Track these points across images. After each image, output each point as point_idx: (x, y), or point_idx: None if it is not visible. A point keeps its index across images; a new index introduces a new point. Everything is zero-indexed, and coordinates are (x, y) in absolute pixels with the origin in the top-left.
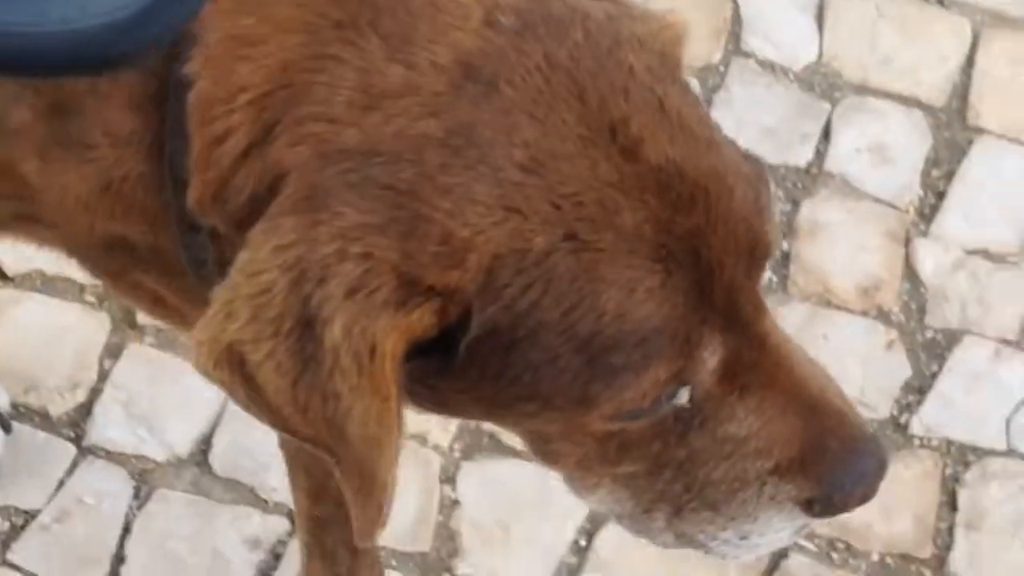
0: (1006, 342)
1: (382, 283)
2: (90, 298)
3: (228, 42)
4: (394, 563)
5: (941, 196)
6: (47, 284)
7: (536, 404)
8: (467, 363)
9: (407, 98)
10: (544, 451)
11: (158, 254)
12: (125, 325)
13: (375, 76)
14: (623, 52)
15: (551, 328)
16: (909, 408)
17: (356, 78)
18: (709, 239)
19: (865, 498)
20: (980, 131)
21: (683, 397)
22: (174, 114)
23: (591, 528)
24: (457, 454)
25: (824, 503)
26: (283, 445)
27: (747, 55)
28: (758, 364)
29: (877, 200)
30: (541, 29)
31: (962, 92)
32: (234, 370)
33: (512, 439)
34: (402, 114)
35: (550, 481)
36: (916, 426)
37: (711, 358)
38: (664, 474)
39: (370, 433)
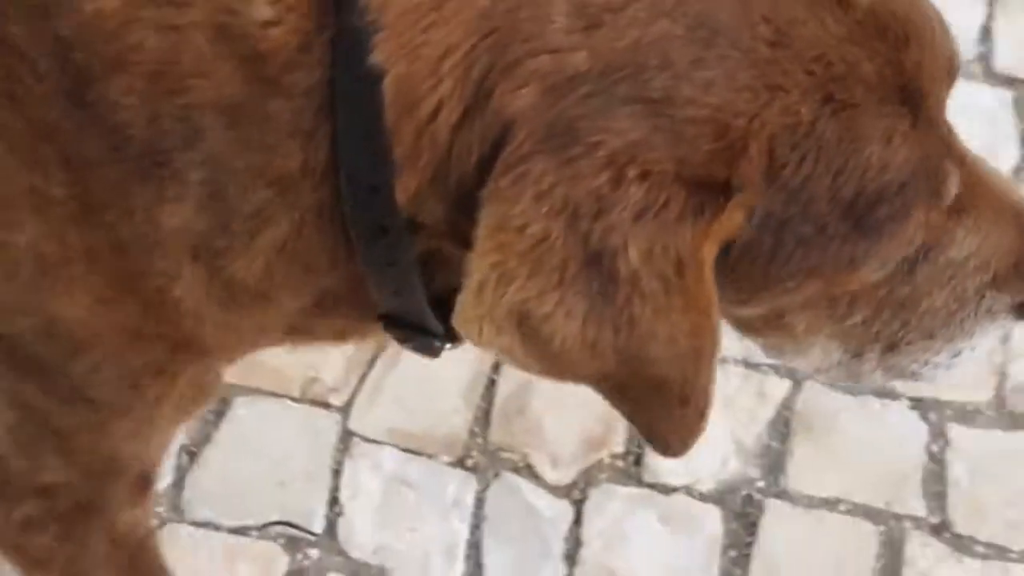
0: None
1: (671, 196)
2: None
3: (410, 15)
4: None
5: None
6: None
7: (798, 278)
8: (740, 254)
9: (632, 6)
10: (769, 327)
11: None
12: None
13: None
14: None
15: (821, 198)
16: None
17: (568, 1)
18: (928, 71)
19: None
20: None
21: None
22: (360, 116)
23: None
24: None
25: None
26: None
27: None
28: (967, 184)
29: None
30: None
31: None
32: (517, 331)
33: None
34: (632, 23)
35: None
36: None
37: (954, 190)
38: (883, 315)
39: (684, 348)
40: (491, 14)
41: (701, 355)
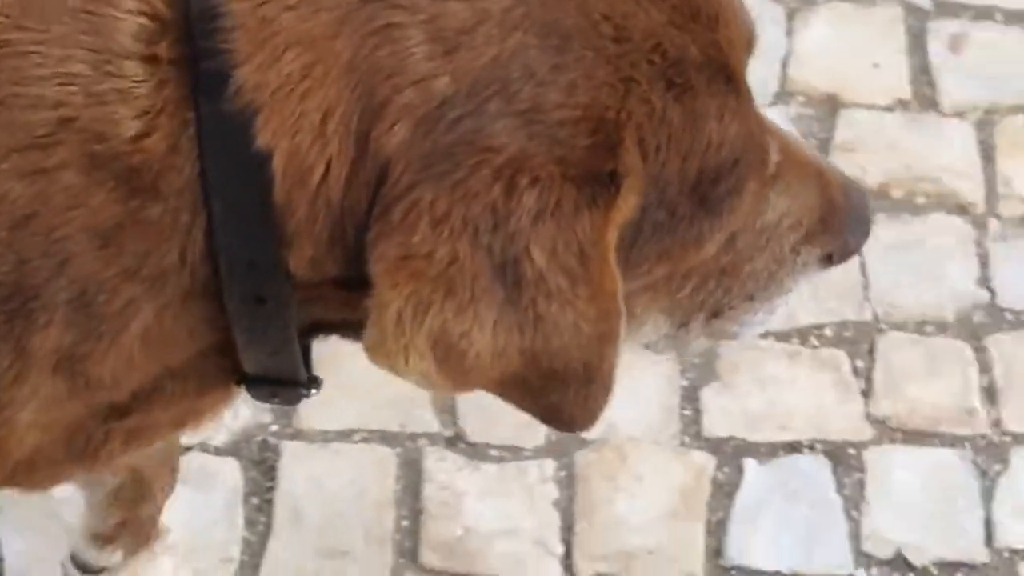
0: None
1: (562, 195)
2: None
3: (284, 88)
4: None
5: None
6: None
7: (651, 262)
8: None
9: (484, 25)
10: (628, 312)
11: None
12: None
13: (440, 20)
14: None
15: (674, 182)
16: None
17: (422, 31)
18: (737, 47)
19: (867, 235)
20: None
21: None
22: (244, 199)
23: None
24: None
25: (842, 252)
26: None
27: None
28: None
29: None
30: None
31: None
32: (433, 353)
33: None
34: (488, 41)
35: None
36: None
37: (775, 159)
38: (708, 285)
39: (589, 335)
40: (355, 63)
41: (608, 338)
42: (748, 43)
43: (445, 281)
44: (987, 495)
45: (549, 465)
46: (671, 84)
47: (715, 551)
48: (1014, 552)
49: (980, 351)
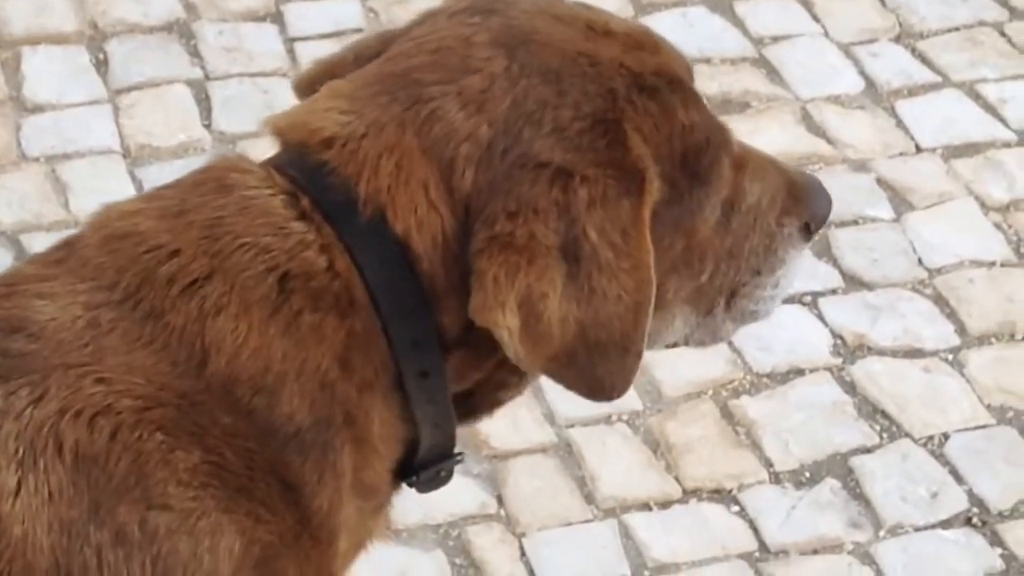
0: None
1: (606, 188)
2: None
3: (392, 186)
4: None
5: None
6: None
7: (671, 235)
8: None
9: (496, 83)
10: (660, 302)
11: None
12: None
13: (465, 90)
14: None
15: (666, 160)
16: None
17: (456, 102)
18: (677, 65)
19: (830, 202)
20: None
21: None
22: (398, 285)
23: None
24: None
25: (815, 219)
26: None
27: None
28: (736, 147)
29: None
30: (511, 11)
31: None
32: (520, 310)
33: None
34: (504, 92)
35: None
36: None
37: (735, 140)
38: (721, 267)
39: (627, 303)
40: (424, 145)
41: (641, 307)
42: (687, 69)
43: (528, 251)
44: None
45: None
46: (642, 87)
47: None
48: None
49: None
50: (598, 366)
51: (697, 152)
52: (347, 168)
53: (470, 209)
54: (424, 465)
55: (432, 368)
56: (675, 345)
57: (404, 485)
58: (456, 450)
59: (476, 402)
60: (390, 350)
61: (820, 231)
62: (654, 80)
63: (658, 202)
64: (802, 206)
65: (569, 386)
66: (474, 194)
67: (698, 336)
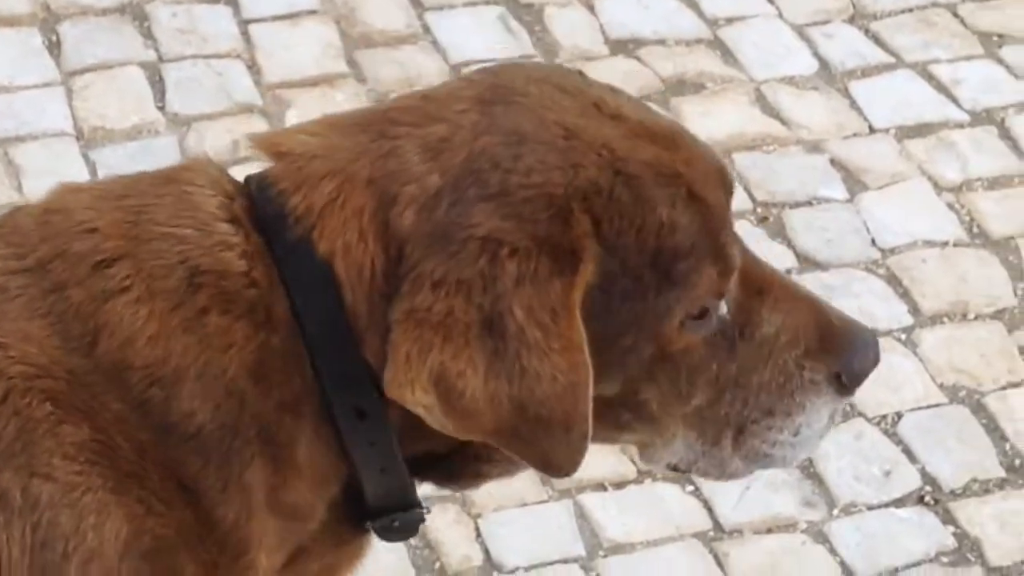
0: None
1: (537, 264)
2: None
3: (326, 207)
4: None
5: None
6: None
7: (632, 332)
8: (585, 315)
9: (458, 135)
10: (631, 411)
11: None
12: None
13: (428, 136)
14: (566, 69)
15: (632, 250)
16: None
17: (416, 145)
18: (696, 171)
19: (876, 360)
20: None
21: (724, 308)
22: (324, 313)
23: None
24: None
25: (848, 372)
26: None
27: None
28: (758, 273)
29: None
30: (507, 68)
31: None
32: (436, 389)
33: None
34: (461, 145)
35: None
36: None
37: (738, 258)
38: (725, 397)
39: (563, 384)
40: (373, 177)
41: (578, 386)
42: (720, 180)
43: (444, 329)
44: None
45: None
46: (618, 172)
47: None
48: None
49: None
50: (543, 442)
51: (674, 254)
52: (286, 182)
53: (404, 255)
54: (378, 511)
55: (370, 410)
56: (677, 469)
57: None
58: (420, 504)
59: (456, 469)
60: (316, 378)
61: (774, 213)
62: (639, 169)
63: (601, 289)
64: (834, 354)
65: (521, 459)
66: (411, 239)
67: (703, 466)
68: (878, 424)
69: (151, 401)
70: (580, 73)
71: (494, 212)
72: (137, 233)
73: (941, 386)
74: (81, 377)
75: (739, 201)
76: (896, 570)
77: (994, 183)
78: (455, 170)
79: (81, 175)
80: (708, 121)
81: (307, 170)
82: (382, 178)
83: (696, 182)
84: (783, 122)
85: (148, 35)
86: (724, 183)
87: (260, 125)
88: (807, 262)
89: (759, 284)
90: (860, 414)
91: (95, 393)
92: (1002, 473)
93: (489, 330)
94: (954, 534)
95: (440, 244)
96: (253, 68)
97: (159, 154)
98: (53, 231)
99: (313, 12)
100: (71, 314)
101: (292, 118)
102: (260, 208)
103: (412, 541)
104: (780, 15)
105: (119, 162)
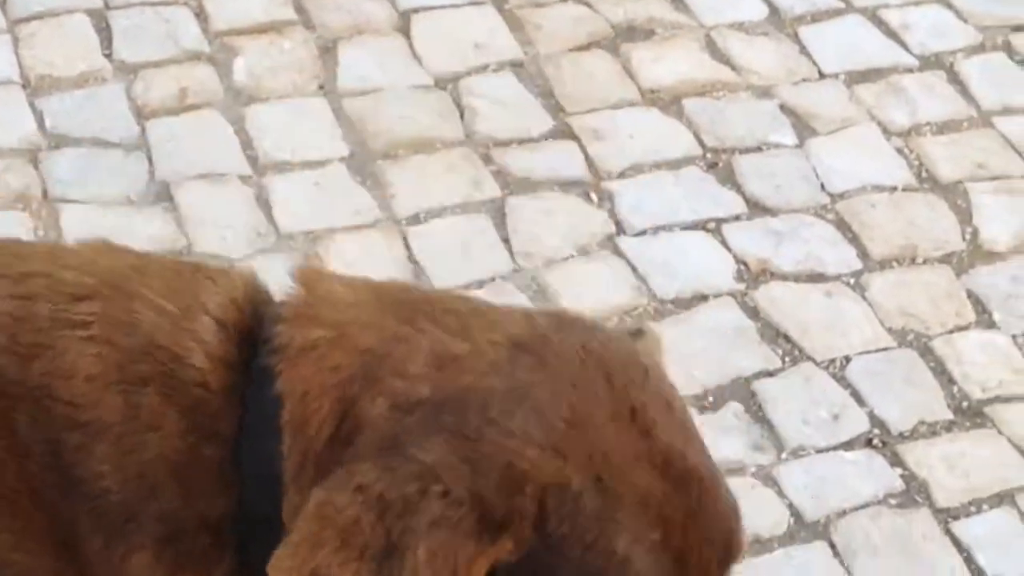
0: None
1: (463, 516)
2: None
3: (304, 352)
4: None
5: None
6: None
7: None
8: None
9: (472, 362)
10: None
11: None
12: None
13: (444, 346)
14: (637, 355)
15: (570, 560)
16: None
17: (428, 347)
18: (693, 524)
19: None
20: None
21: None
22: (263, 458)
23: None
24: None
25: None
26: None
27: None
28: None
29: None
30: (575, 326)
31: None
32: None
33: None
34: (467, 373)
35: None
36: None
37: None
38: None
39: None
40: (372, 350)
41: None
42: (723, 543)
43: (343, 534)
44: None
45: None
46: (599, 479)
47: None
48: None
49: None
50: None
51: None
52: (293, 314)
53: (353, 440)
54: None
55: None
56: None
57: None
58: None
59: None
60: (240, 505)
61: (724, 159)
62: (624, 489)
63: (511, 571)
64: None
65: None
66: (368, 429)
67: None
68: (826, 368)
69: (64, 444)
70: (657, 342)
71: (453, 450)
72: (123, 287)
73: (889, 330)
74: (4, 383)
75: (688, 147)
76: (844, 512)
77: (943, 127)
78: (447, 392)
79: (27, 123)
80: (658, 67)
81: (316, 312)
82: (379, 356)
83: (685, 535)
84: (733, 68)
85: None
86: (723, 551)
87: (207, 72)
88: (756, 208)
89: None
90: (809, 358)
91: (9, 404)
92: (950, 416)
93: (387, 557)
94: (902, 476)
95: (387, 452)
96: (200, 15)
97: (106, 102)
98: (49, 263)
99: None
100: (28, 321)
101: (240, 66)
102: (255, 328)
103: None
104: None
105: (66, 110)
